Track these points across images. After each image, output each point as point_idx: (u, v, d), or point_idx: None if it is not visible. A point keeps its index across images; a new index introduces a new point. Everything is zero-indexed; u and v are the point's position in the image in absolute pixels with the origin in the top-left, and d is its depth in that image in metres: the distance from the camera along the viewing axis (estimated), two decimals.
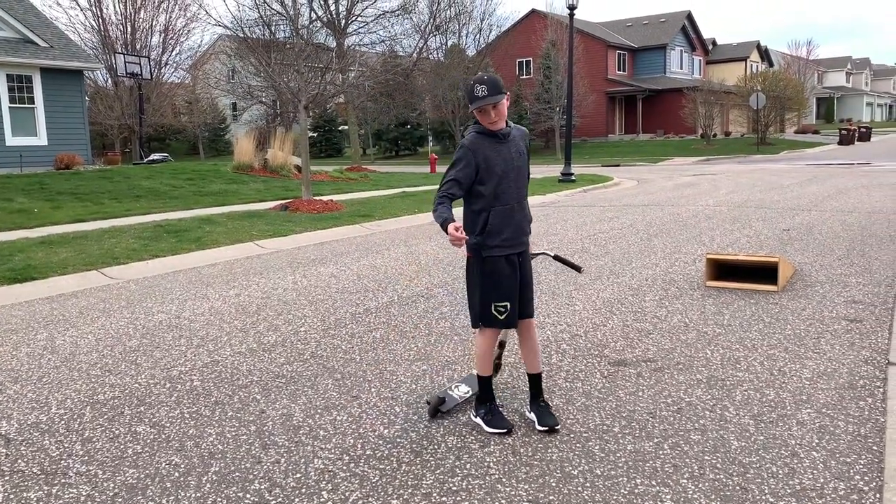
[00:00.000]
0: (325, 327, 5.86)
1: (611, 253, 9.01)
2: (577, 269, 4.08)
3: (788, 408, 3.92)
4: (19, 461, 3.49)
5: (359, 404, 4.16)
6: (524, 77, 48.83)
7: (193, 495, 3.11)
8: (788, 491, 3.02)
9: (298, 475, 3.29)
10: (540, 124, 43.95)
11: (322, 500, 3.05)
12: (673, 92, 47.44)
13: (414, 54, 38.01)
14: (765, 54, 61.23)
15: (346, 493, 3.11)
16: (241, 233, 11.30)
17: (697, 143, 42.98)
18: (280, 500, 3.06)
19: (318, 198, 15.04)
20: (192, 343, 5.50)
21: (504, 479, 3.19)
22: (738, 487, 3.06)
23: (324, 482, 3.21)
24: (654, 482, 3.13)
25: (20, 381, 4.69)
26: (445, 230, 3.35)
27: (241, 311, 6.52)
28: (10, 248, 9.62)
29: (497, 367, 4.18)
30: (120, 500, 3.08)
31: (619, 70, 50.76)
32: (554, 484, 3.14)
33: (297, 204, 14.36)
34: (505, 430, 3.67)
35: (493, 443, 3.59)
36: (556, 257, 4.04)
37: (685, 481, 3.13)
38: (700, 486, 3.09)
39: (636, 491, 3.06)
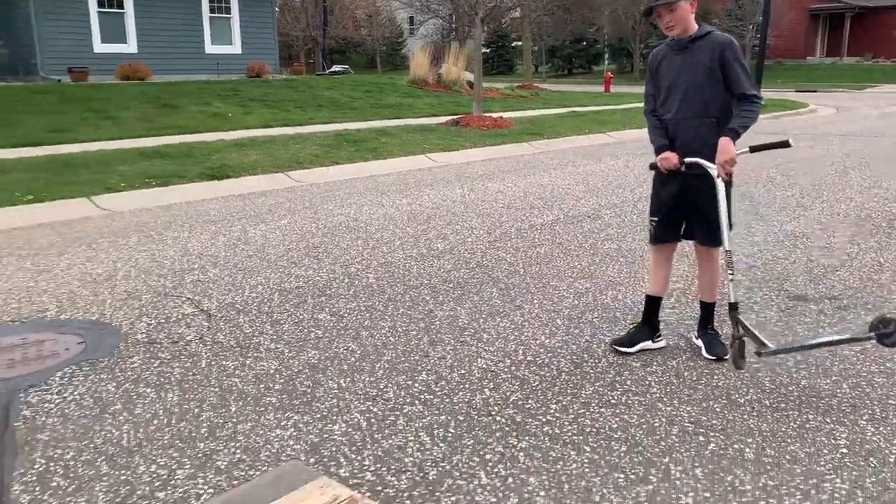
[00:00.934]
0: (491, 239, 5.97)
1: (799, 184, 8.36)
2: (784, 144, 3.41)
3: None
4: (219, 334, 3.93)
5: (521, 314, 4.25)
6: None
7: (367, 379, 3.36)
8: None
9: (462, 371, 3.45)
10: None
11: (484, 396, 3.19)
12: (889, 10, 41.98)
13: None
14: None
15: (507, 393, 3.23)
16: (413, 145, 11.61)
17: None
18: (445, 391, 3.23)
19: (488, 114, 15.04)
20: (368, 244, 5.82)
21: (665, 399, 3.17)
22: None
23: (486, 380, 3.35)
24: (828, 420, 2.98)
25: (218, 266, 5.21)
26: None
27: (413, 218, 6.77)
28: (208, 148, 10.52)
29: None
30: (303, 376, 3.39)
31: None
32: (718, 409, 3.07)
33: (467, 119, 14.46)
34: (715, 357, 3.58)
35: (655, 363, 3.55)
36: (753, 148, 3.45)
37: (864, 422, 2.95)
38: (881, 429, 2.90)
39: (807, 426, 2.93)
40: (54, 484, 2.51)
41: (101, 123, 12.24)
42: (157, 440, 2.81)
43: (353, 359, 3.58)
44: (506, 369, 3.49)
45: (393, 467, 2.63)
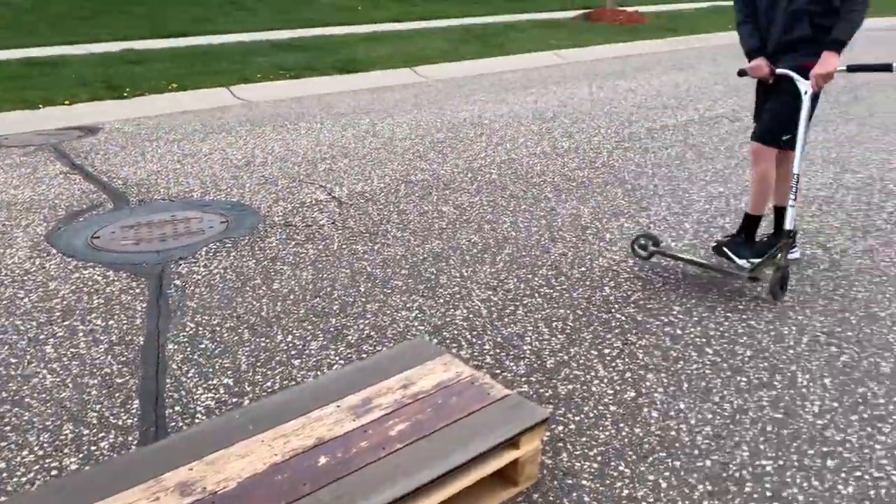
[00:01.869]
0: (619, 139, 5.78)
1: None
2: (888, 68, 3.09)
3: None
4: (349, 220, 4.09)
5: (647, 216, 4.14)
6: None
7: (488, 270, 3.42)
8: None
9: (583, 269, 3.44)
10: None
11: (604, 294, 3.19)
12: None
13: None
14: None
15: (629, 292, 3.20)
16: (541, 41, 11.23)
17: None
18: (565, 287, 3.25)
19: (622, 8, 14.24)
20: (492, 141, 5.79)
21: (797, 308, 3.05)
22: None
23: (607, 278, 3.33)
24: None
25: (348, 157, 5.36)
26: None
27: (538, 116, 6.64)
28: (338, 42, 10.63)
29: None
30: (427, 263, 3.49)
31: None
32: (854, 322, 2.93)
33: (599, 13, 13.78)
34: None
35: (791, 273, 3.39)
36: (851, 68, 3.11)
37: None
38: None
39: None
40: (202, 346, 2.76)
41: (237, 15, 12.59)
42: (293, 313, 3.01)
43: (475, 250, 3.65)
44: (628, 269, 3.45)
45: (512, 353, 2.71)
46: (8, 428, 2.27)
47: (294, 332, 2.87)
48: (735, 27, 3.36)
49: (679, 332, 2.87)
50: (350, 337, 2.82)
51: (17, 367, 2.62)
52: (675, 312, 3.03)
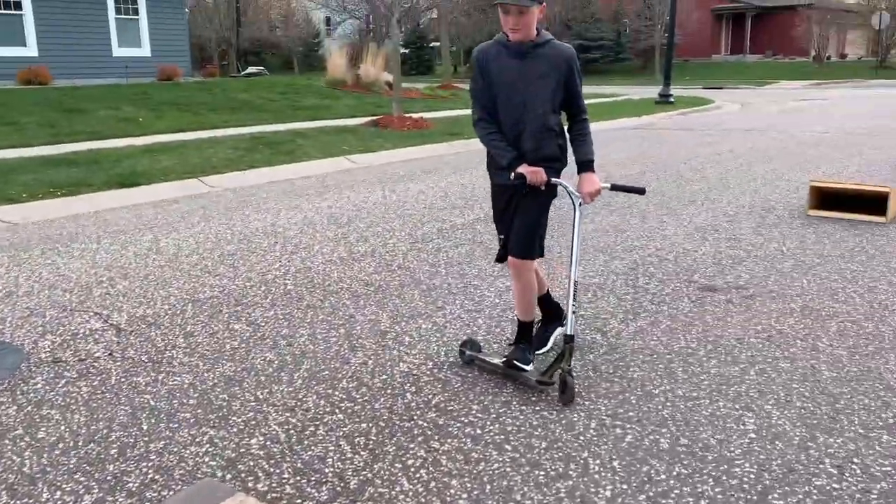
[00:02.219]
0: (413, 241, 5.96)
1: (707, 178, 8.69)
2: (640, 191, 3.39)
3: (887, 342, 3.76)
4: (129, 349, 3.77)
5: (443, 314, 4.25)
6: None
7: (286, 389, 3.29)
8: (880, 424, 2.93)
9: (384, 376, 3.42)
10: (640, 43, 42.13)
11: (406, 400, 3.17)
12: (786, 10, 44.20)
13: None
14: None
15: (429, 396, 3.22)
16: (332, 147, 11.47)
17: (809, 66, 40.21)
18: (366, 398, 3.20)
19: (408, 115, 15.01)
20: (287, 250, 5.71)
21: (583, 393, 3.22)
22: (825, 417, 2.99)
23: (408, 384, 3.33)
24: (737, 406, 3.09)
25: (128, 278, 5.01)
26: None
27: (333, 221, 6.69)
28: (117, 154, 10.12)
29: None
30: (219, 389, 3.29)
31: None
32: (634, 401, 3.15)
33: (387, 120, 14.41)
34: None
35: (573, 358, 3.61)
36: (615, 187, 3.37)
37: (770, 407, 3.08)
38: (786, 412, 3.03)
39: (718, 413, 3.04)
40: None
41: (0, 130, 11.60)
42: (62, 465, 2.67)
43: (270, 369, 3.50)
44: (428, 372, 3.48)
45: (313, 479, 2.58)
46: None
47: (64, 486, 2.53)
48: (478, 132, 3.38)
49: (479, 431, 2.91)
50: (131, 484, 2.55)
51: None
52: (474, 412, 3.08)
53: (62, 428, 2.95)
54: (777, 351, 3.67)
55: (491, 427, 2.95)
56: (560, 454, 2.73)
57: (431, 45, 49.93)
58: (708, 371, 3.45)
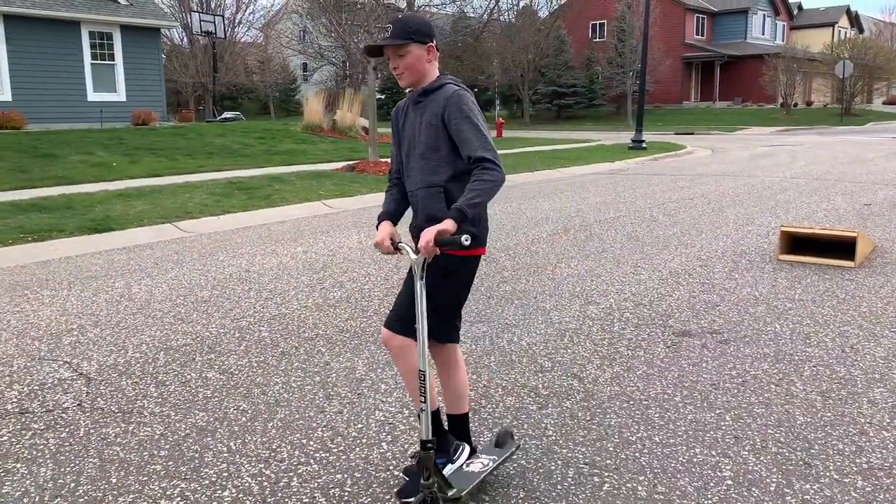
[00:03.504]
0: (389, 286, 5.94)
1: (680, 223, 8.81)
2: (457, 245, 2.50)
3: (860, 386, 3.80)
4: (98, 399, 3.69)
5: None
6: (598, 40, 47.61)
7: (260, 440, 3.23)
8: (855, 469, 2.95)
9: (360, 426, 3.38)
10: (612, 89, 43.04)
11: (382, 450, 3.13)
12: (753, 58, 45.54)
13: (484, 15, 37.49)
14: (855, 20, 57.94)
15: (406, 445, 3.18)
16: (309, 192, 11.49)
17: (777, 113, 41.33)
18: (342, 448, 3.15)
19: (384, 159, 15.13)
20: (261, 296, 5.67)
21: (561, 441, 3.21)
22: (801, 462, 3.00)
23: (384, 433, 3.29)
24: (713, 452, 3.10)
25: (100, 326, 4.93)
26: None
27: (308, 267, 6.66)
28: (90, 199, 10.04)
29: None
30: (191, 440, 3.23)
31: (697, 34, 48.94)
32: (611, 448, 3.14)
33: (363, 165, 14.50)
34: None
35: (551, 405, 3.60)
36: (441, 242, 2.52)
37: (746, 453, 3.09)
38: (762, 458, 3.04)
39: (695, 460, 3.03)
40: None
41: None
42: None
43: (243, 419, 3.44)
44: (404, 420, 3.45)
45: None
46: None
47: None
48: None
49: None
50: None
51: None
52: None
53: (27, 482, 2.86)
54: (752, 396, 3.69)
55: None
56: None
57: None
58: (684, 417, 3.45)
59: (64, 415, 3.49)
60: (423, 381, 2.59)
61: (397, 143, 2.92)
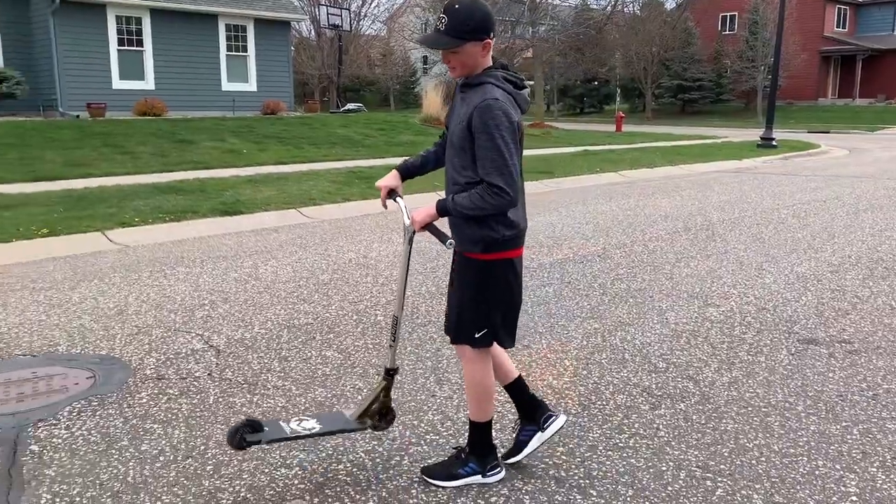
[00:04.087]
0: None
1: (810, 226, 8.35)
2: (442, 240, 2.65)
3: None
4: (227, 370, 3.94)
5: (529, 353, 4.24)
6: (727, 33, 45.50)
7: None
8: None
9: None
10: (741, 84, 41.11)
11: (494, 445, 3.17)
12: None
13: (608, 7, 36.74)
14: None
15: (513, 435, 3.20)
16: (425, 182, 11.69)
17: None
18: (451, 432, 3.22)
19: None
20: (378, 281, 5.84)
21: (673, 443, 3.14)
22: None
23: (493, 422, 3.33)
24: (837, 466, 2.94)
25: (229, 302, 5.24)
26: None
27: (423, 255, 6.80)
28: (222, 184, 10.65)
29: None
30: (309, 413, 3.39)
31: (837, 27, 45.83)
32: (726, 454, 3.04)
33: None
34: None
35: (664, 406, 3.53)
36: (431, 227, 2.73)
37: (874, 470, 2.91)
38: (892, 476, 2.86)
39: (817, 472, 2.89)
40: None
41: (117, 158, 12.43)
42: (162, 477, 2.81)
43: (359, 397, 3.58)
44: (513, 410, 3.47)
45: None
46: None
47: (163, 497, 2.67)
48: None
49: (563, 474, 2.88)
50: (224, 501, 2.65)
51: None
52: (559, 454, 3.05)
53: (163, 442, 3.10)
54: (884, 411, 3.47)
55: (576, 471, 2.91)
56: (647, 503, 2.67)
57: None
58: (807, 427, 3.29)
59: (196, 383, 3.76)
60: (395, 325, 2.86)
61: (448, 115, 2.82)
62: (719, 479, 2.85)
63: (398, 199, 2.84)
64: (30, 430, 3.20)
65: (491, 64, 2.66)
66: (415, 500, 2.67)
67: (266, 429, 2.70)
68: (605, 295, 5.49)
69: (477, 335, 2.73)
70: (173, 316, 4.89)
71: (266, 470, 2.87)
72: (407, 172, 2.97)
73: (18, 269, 6.24)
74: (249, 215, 8.79)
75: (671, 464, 2.96)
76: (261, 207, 9.14)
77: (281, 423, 2.81)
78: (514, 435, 3.04)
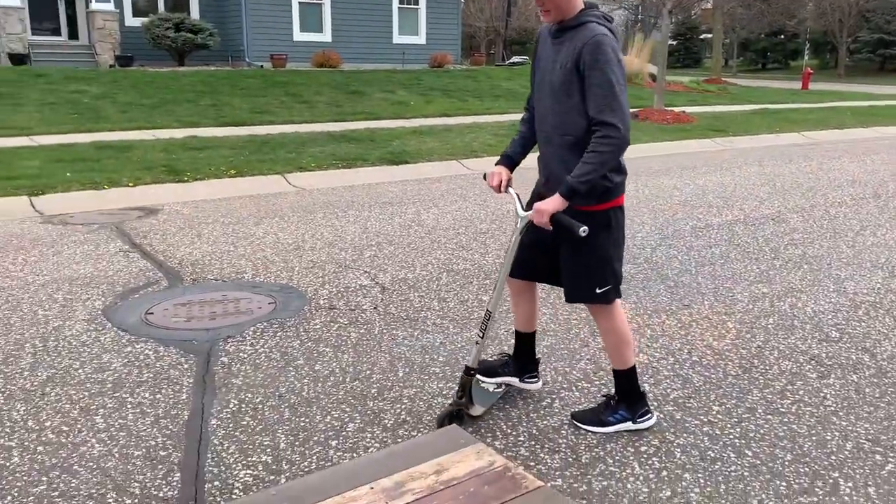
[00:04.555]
0: (662, 236, 5.83)
1: None
2: (572, 230, 2.51)
3: None
4: (391, 306, 4.18)
5: (689, 313, 4.14)
6: None
7: None
8: None
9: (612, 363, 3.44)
10: None
11: (643, 390, 3.17)
12: None
13: None
14: None
15: (668, 390, 3.18)
16: None
17: None
18: (603, 382, 3.25)
19: (669, 108, 14.54)
20: None
21: (841, 413, 2.99)
22: None
23: (646, 375, 3.32)
24: None
25: (394, 244, 5.51)
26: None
27: None
28: (390, 134, 11.05)
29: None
30: (465, 351, 3.54)
31: None
32: None
33: (646, 113, 14.08)
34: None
35: (833, 376, 3.34)
36: (557, 218, 2.57)
37: None
38: None
39: None
40: (244, 423, 2.83)
41: (295, 107, 13.21)
42: (332, 394, 3.07)
43: (514, 341, 3.68)
44: (668, 367, 3.44)
45: (546, 446, 2.71)
46: (56, 493, 2.35)
47: (333, 413, 2.92)
48: None
49: (718, 432, 2.84)
50: (386, 421, 2.86)
51: (69, 435, 2.72)
52: (714, 412, 3.00)
53: (334, 364, 3.37)
54: None
55: (731, 430, 2.85)
56: (806, 469, 2.58)
57: (702, 36, 47.55)
58: None
59: (363, 315, 4.02)
60: (487, 319, 2.76)
61: (533, 70, 2.76)
62: (890, 454, 2.68)
63: (510, 189, 2.80)
64: (220, 344, 3.59)
65: (583, 6, 2.58)
66: (564, 441, 2.75)
67: (474, 404, 2.85)
68: (777, 259, 5.21)
69: (607, 290, 2.72)
70: (344, 254, 5.22)
71: (425, 398, 3.05)
72: (515, 163, 2.91)
73: (210, 204, 6.89)
74: (414, 165, 9.09)
75: (837, 434, 2.82)
76: (425, 158, 9.41)
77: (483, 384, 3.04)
78: (495, 361, 3.10)
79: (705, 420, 2.93)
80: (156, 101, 12.76)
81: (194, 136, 10.32)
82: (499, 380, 3.08)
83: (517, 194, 2.79)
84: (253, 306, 4.11)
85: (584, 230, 2.48)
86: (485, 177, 2.92)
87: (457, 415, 2.78)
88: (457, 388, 2.84)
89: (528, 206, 2.74)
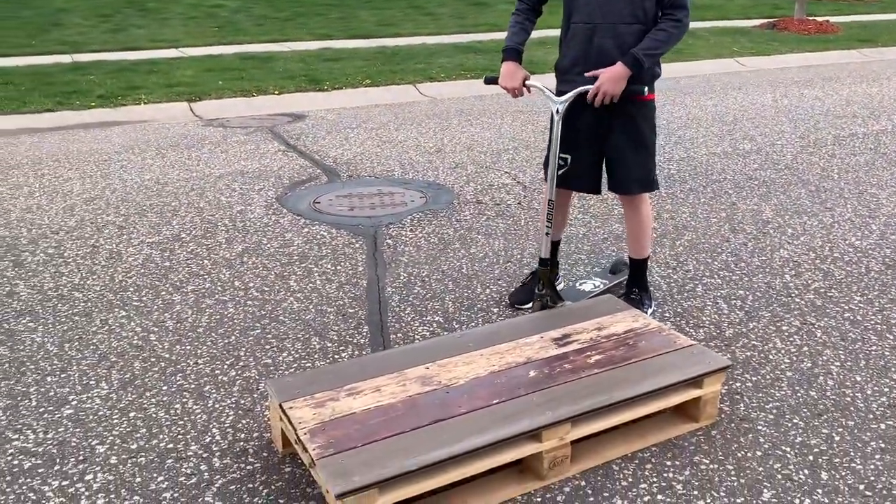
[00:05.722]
0: (804, 144, 5.74)
1: None
2: (638, 91, 2.67)
3: None
4: (533, 202, 4.43)
5: (832, 215, 4.17)
6: None
7: (668, 252, 3.64)
8: None
9: (763, 258, 3.58)
10: None
11: (784, 281, 3.32)
12: None
13: None
14: None
15: (809, 281, 3.31)
16: (721, 48, 11.07)
17: None
18: (744, 272, 3.41)
19: (811, 17, 13.66)
20: (670, 140, 5.93)
21: None
22: None
23: (788, 268, 3.45)
24: None
25: (529, 149, 5.71)
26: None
27: (718, 119, 6.68)
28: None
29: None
30: (608, 243, 3.76)
31: None
32: None
33: (786, 23, 13.30)
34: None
35: None
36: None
37: None
38: None
39: None
40: (415, 291, 3.21)
41: (420, 19, 13.35)
42: (489, 273, 3.40)
43: (654, 234, 3.87)
44: (809, 262, 3.54)
45: (692, 322, 2.93)
46: (270, 336, 2.82)
47: (491, 287, 3.25)
48: None
49: (860, 318, 2.97)
50: None
51: (270, 293, 3.19)
52: (856, 301, 3.11)
53: (486, 249, 3.69)
54: None
55: (874, 317, 2.97)
56: None
57: None
58: None
59: (508, 209, 4.30)
60: (551, 209, 2.74)
61: None
62: None
63: (532, 86, 2.79)
64: (383, 230, 3.97)
65: None
66: (707, 318, 2.96)
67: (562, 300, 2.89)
68: None
69: (656, 178, 2.86)
70: (483, 156, 5.49)
71: (572, 280, 3.33)
72: (522, 54, 2.89)
73: (350, 111, 7.28)
74: (541, 75, 9.11)
75: None
76: (550, 68, 9.40)
77: (577, 287, 3.20)
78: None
79: (847, 308, 3.05)
80: (288, 14, 13.25)
81: (327, 47, 10.72)
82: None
83: (542, 85, 2.79)
84: (406, 199, 4.47)
85: (645, 88, 2.61)
86: (490, 81, 2.90)
87: (543, 307, 2.78)
88: (538, 282, 2.81)
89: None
